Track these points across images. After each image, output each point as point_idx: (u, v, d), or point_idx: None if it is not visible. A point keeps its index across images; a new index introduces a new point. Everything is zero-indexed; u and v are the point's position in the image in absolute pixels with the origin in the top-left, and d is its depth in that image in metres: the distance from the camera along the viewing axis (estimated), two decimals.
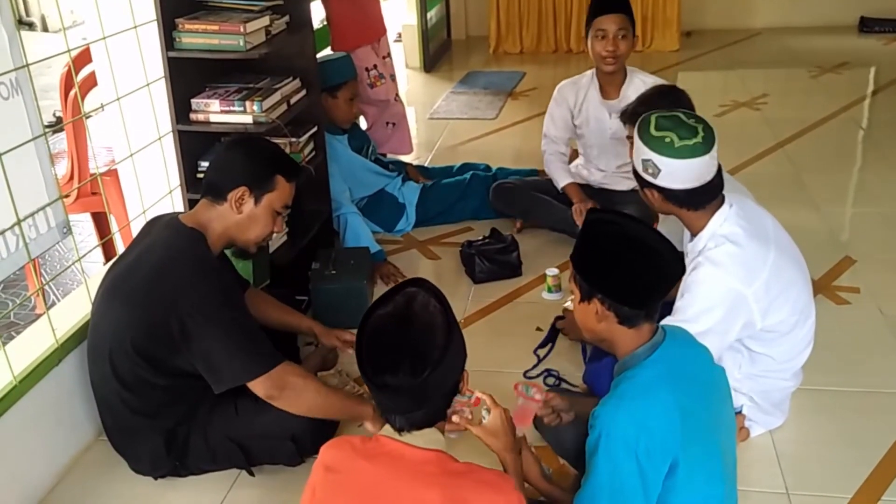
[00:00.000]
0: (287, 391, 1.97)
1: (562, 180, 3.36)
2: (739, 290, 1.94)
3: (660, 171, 1.91)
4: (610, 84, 3.19)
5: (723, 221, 1.98)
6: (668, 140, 1.89)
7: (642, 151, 1.93)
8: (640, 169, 1.96)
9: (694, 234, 2.03)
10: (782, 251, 2.03)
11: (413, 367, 1.33)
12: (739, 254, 1.94)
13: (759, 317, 1.97)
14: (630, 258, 1.53)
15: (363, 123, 4.05)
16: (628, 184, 3.17)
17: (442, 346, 1.35)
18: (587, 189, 3.36)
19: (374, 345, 1.37)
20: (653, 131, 1.91)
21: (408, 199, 3.55)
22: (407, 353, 1.34)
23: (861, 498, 1.97)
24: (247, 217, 2.04)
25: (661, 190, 1.95)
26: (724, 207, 1.99)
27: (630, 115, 2.60)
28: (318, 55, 3.23)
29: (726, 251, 1.94)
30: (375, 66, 3.85)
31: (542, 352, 2.60)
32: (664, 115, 1.94)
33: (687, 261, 2.07)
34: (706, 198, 1.97)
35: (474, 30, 7.22)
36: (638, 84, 3.11)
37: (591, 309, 1.57)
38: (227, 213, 2.03)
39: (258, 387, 1.95)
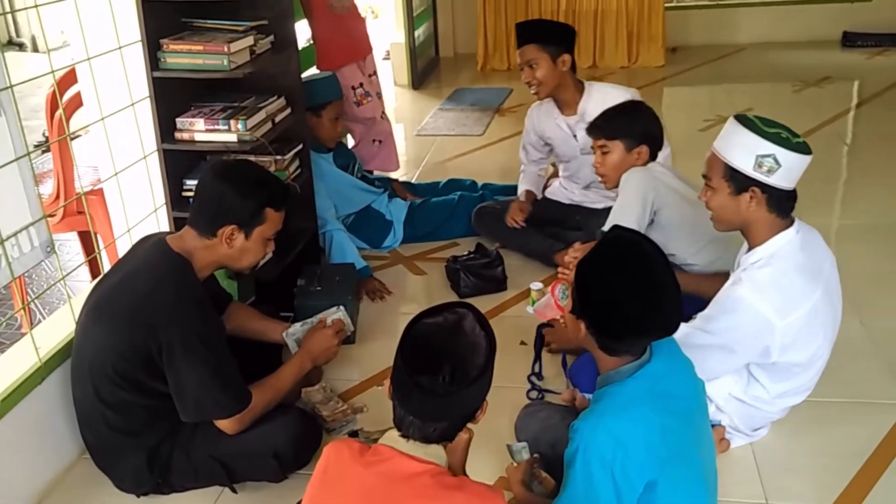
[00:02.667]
0: (247, 420, 2.03)
1: (521, 187, 3.51)
2: (769, 319, 1.90)
3: (780, 166, 1.86)
4: (564, 102, 3.23)
5: (784, 243, 1.95)
6: (784, 135, 1.87)
7: (761, 146, 1.86)
8: (750, 167, 1.89)
9: (752, 247, 2.00)
10: (828, 295, 1.99)
11: (453, 376, 1.36)
12: (785, 282, 1.91)
13: (778, 351, 1.95)
14: (627, 299, 1.49)
15: (350, 141, 4.08)
16: (605, 202, 3.22)
17: (481, 367, 1.39)
18: (560, 205, 3.42)
19: (420, 346, 1.40)
20: (765, 128, 1.87)
21: (395, 215, 3.57)
22: (451, 360, 1.37)
23: None
24: (238, 250, 2.05)
25: (767, 189, 1.90)
26: (791, 230, 1.96)
27: (591, 129, 2.67)
28: (304, 74, 3.27)
29: (772, 275, 1.91)
30: (361, 85, 3.88)
31: (538, 367, 2.59)
32: (756, 116, 1.92)
33: (735, 270, 2.05)
34: (792, 204, 1.95)
35: (462, 47, 7.28)
36: (597, 98, 3.12)
37: (578, 324, 1.58)
38: (218, 246, 2.03)
39: (224, 425, 2.01)
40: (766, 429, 2.23)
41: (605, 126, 2.67)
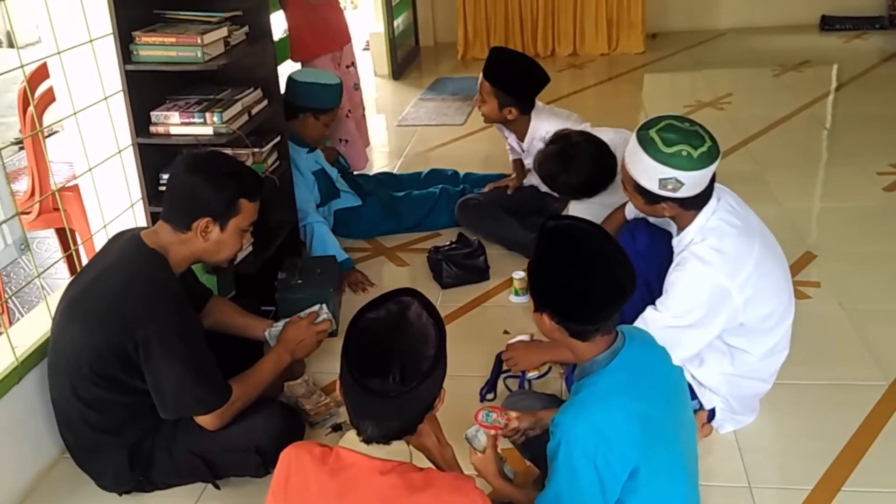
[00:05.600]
0: (228, 415, 2.01)
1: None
2: (723, 285, 1.97)
3: (683, 184, 1.91)
4: (513, 129, 3.35)
5: (710, 215, 2.00)
6: (684, 153, 1.88)
7: (659, 171, 1.91)
8: (656, 188, 1.94)
9: (681, 229, 2.05)
10: (766, 245, 2.06)
11: (403, 375, 1.31)
12: (726, 247, 1.96)
13: (741, 309, 2.00)
14: (577, 277, 1.50)
15: None
16: None
17: (433, 358, 1.34)
18: (537, 191, 3.43)
19: (364, 346, 1.35)
20: (664, 148, 1.89)
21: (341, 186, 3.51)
22: (399, 358, 1.32)
23: (821, 489, 2.00)
24: (214, 243, 2.02)
25: (678, 201, 1.96)
26: (712, 201, 2.01)
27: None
28: (305, 74, 3.26)
29: (712, 246, 1.96)
30: None
31: (491, 395, 2.47)
32: (661, 128, 1.93)
33: (676, 253, 2.09)
34: (707, 197, 2.00)
35: (442, 36, 7.25)
36: (537, 141, 3.18)
37: (544, 320, 1.58)
38: (193, 240, 2.00)
39: (204, 421, 1.99)
40: (755, 412, 2.24)
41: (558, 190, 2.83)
